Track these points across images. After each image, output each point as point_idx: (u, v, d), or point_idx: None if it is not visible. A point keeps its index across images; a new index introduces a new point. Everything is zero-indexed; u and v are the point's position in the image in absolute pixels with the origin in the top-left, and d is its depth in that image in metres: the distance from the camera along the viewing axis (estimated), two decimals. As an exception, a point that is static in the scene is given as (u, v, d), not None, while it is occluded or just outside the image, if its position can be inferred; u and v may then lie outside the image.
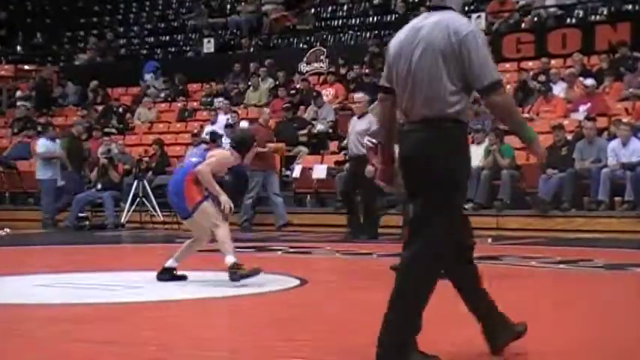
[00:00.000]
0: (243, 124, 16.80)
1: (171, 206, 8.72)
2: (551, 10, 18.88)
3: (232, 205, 7.81)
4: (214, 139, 15.17)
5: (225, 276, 7.63)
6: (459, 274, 4.67)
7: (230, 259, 7.44)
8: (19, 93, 22.92)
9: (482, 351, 4.73)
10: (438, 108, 4.34)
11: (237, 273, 7.41)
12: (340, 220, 14.60)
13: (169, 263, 7.87)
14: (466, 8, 20.42)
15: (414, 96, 4.40)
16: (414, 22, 4.53)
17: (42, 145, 16.56)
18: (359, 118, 12.70)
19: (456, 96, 4.34)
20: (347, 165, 13.90)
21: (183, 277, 7.87)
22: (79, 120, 18.76)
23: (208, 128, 18.23)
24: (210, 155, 7.78)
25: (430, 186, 4.36)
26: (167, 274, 7.84)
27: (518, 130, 4.51)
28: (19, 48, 26.10)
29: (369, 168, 10.50)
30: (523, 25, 19.03)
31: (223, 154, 7.97)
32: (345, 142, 13.40)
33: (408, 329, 4.37)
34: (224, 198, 7.70)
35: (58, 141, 16.75)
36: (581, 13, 19.04)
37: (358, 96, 13.22)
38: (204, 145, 9.04)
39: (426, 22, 4.44)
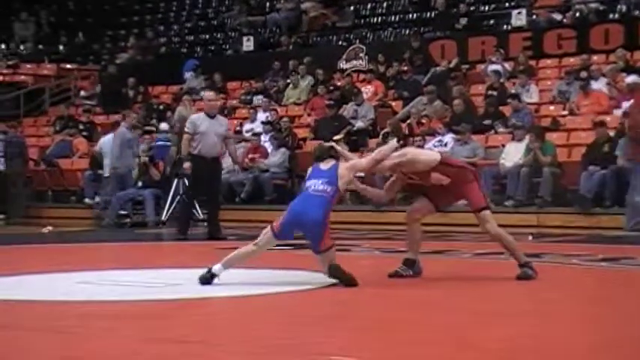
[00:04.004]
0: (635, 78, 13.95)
1: (304, 232, 7.54)
2: (593, 5, 18.69)
3: None
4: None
5: (263, 273, 7.85)
6: None
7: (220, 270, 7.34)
8: (82, 92, 23.09)
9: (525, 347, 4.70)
10: None
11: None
12: (379, 218, 14.61)
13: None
14: (506, 4, 20.31)
15: None
16: None
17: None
18: (212, 117, 12.10)
19: None
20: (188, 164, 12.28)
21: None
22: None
23: (247, 126, 18.34)
24: (345, 167, 7.54)
25: None
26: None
27: None
28: (61, 47, 26.34)
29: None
30: (564, 20, 18.86)
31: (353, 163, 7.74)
32: (198, 141, 12.01)
33: None
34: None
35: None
36: (624, 8, 18.84)
37: (209, 94, 12.77)
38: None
39: None
